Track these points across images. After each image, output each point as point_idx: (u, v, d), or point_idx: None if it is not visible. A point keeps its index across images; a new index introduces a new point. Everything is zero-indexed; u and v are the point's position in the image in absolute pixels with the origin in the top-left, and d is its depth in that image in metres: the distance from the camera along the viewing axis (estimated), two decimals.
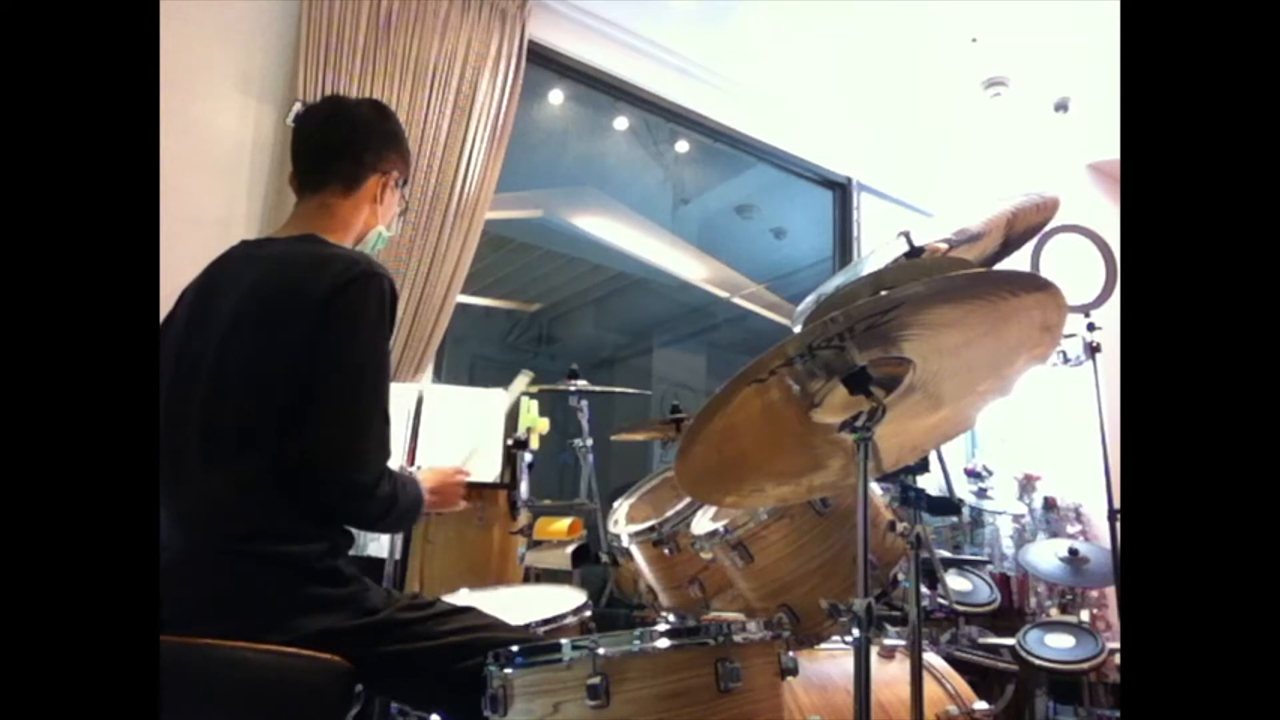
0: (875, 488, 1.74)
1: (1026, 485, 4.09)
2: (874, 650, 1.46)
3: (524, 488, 2.40)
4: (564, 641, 1.10)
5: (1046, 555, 3.18)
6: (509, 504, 2.47)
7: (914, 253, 1.70)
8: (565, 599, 1.75)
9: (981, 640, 3.20)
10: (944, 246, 1.74)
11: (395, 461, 2.00)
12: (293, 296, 1.21)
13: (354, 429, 1.20)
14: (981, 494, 3.74)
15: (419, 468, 1.79)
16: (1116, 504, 2.68)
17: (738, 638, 1.14)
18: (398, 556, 2.03)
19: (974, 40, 3.64)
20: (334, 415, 1.19)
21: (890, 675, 1.66)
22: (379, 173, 1.43)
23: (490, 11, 3.18)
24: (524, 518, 2.42)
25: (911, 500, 1.56)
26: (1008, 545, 3.98)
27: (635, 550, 1.98)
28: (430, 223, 2.94)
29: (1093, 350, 2.83)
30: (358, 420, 1.20)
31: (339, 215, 1.39)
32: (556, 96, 3.92)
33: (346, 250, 1.32)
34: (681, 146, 4.47)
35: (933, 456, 1.66)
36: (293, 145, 1.44)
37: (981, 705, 1.69)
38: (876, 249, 1.91)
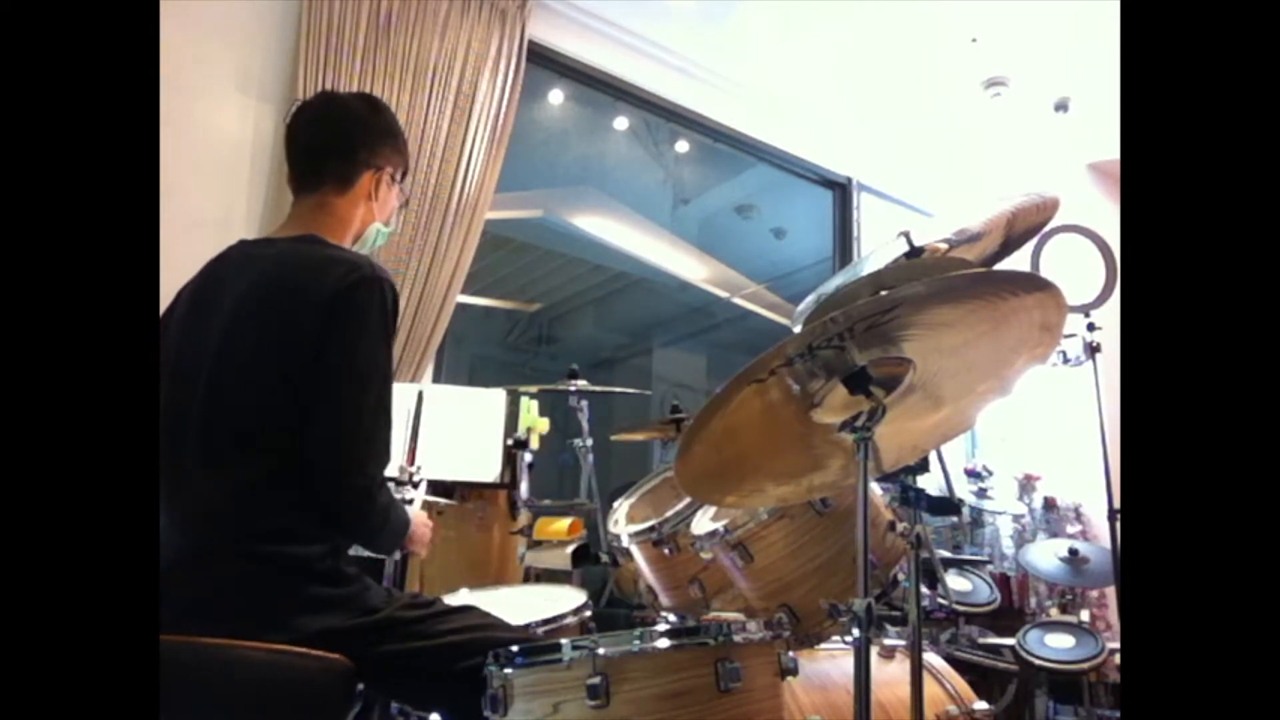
0: (875, 488, 1.74)
1: (1026, 485, 4.09)
2: (874, 650, 1.45)
3: (524, 488, 2.40)
4: (564, 641, 1.10)
5: (1046, 555, 3.18)
6: (509, 504, 2.47)
7: (914, 253, 1.70)
8: (565, 599, 1.75)
9: (981, 640, 3.20)
10: (944, 246, 1.74)
11: (395, 462, 2.00)
12: (293, 298, 1.21)
13: (356, 433, 1.20)
14: (981, 494, 3.74)
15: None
16: (1116, 504, 2.68)
17: (738, 638, 1.14)
18: (397, 557, 2.02)
19: (974, 40, 3.64)
20: (337, 418, 1.19)
21: (890, 675, 1.66)
22: (373, 169, 1.41)
23: (490, 11, 3.18)
24: (524, 518, 2.42)
25: (911, 500, 1.56)
26: (1008, 545, 3.98)
27: (635, 550, 1.98)
28: (430, 223, 2.94)
29: (1093, 350, 2.83)
30: (360, 424, 1.20)
31: (336, 214, 1.39)
32: (556, 96, 3.92)
33: (348, 253, 1.32)
34: (681, 146, 4.47)
35: (933, 456, 1.66)
36: (286, 145, 1.43)
37: (981, 705, 1.69)
38: (876, 249, 1.91)
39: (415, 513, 1.45)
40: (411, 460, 1.93)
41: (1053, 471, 4.08)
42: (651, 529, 1.90)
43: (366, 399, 1.21)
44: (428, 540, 1.48)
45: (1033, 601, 3.71)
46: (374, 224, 1.45)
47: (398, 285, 2.79)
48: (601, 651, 1.08)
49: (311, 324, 1.19)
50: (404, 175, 1.52)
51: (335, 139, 1.41)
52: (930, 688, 1.66)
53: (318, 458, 1.18)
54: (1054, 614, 3.45)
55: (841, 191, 4.51)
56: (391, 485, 1.85)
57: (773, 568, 1.60)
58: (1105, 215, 3.90)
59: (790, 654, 1.21)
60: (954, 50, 3.71)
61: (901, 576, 1.60)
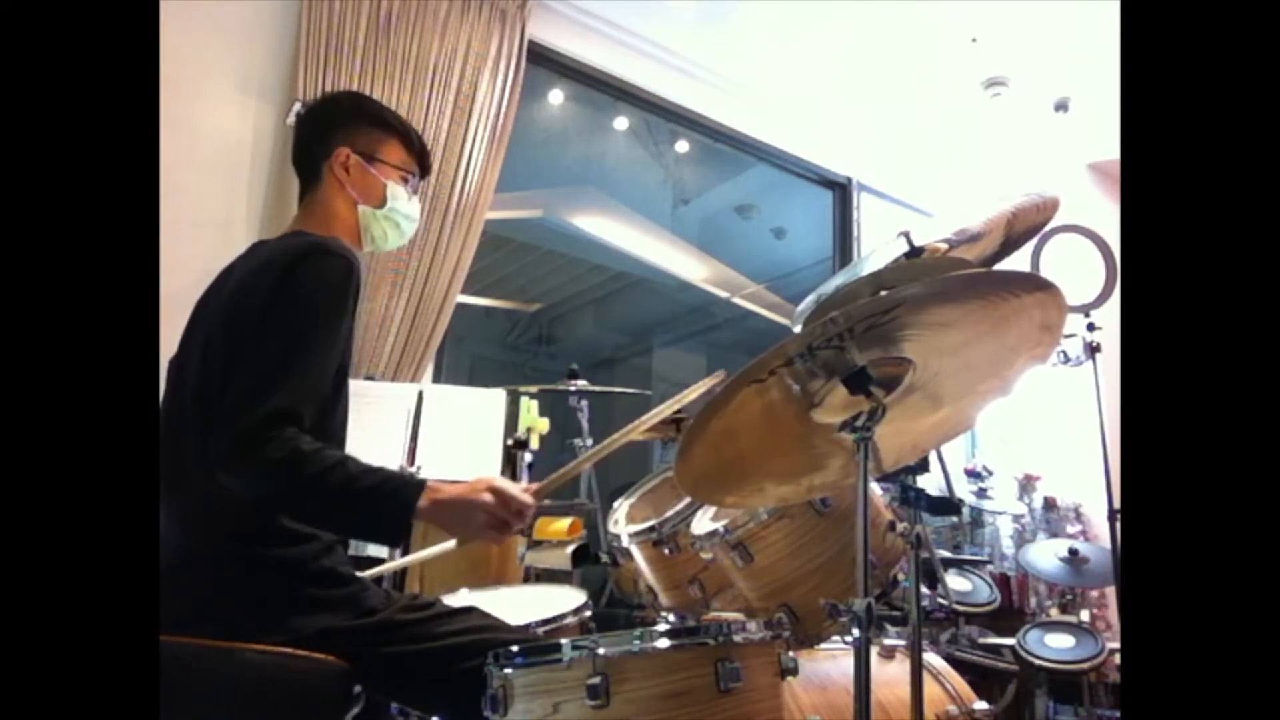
0: (875, 488, 1.74)
1: (1026, 485, 4.09)
2: (874, 650, 1.45)
3: None
4: (564, 641, 1.10)
5: (1046, 555, 3.18)
6: None
7: (914, 253, 1.70)
8: (565, 599, 1.75)
9: (981, 640, 3.20)
10: (944, 246, 1.74)
11: (395, 462, 2.01)
12: (255, 286, 1.21)
13: (246, 389, 1.12)
14: (981, 494, 3.75)
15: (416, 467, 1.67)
16: (1116, 504, 2.68)
17: (738, 638, 1.13)
18: (397, 557, 2.02)
19: (974, 40, 3.64)
20: (236, 385, 1.13)
21: (890, 675, 1.66)
22: (326, 156, 1.41)
23: (490, 11, 3.18)
24: None
25: (911, 500, 1.56)
26: (1008, 545, 3.98)
27: (635, 550, 1.98)
28: (430, 223, 2.94)
29: (1093, 350, 2.83)
30: (251, 383, 1.12)
31: (320, 210, 1.40)
32: (556, 96, 3.92)
33: (315, 236, 1.30)
34: (681, 146, 4.47)
35: (933, 456, 1.66)
36: None
37: (981, 705, 1.69)
38: (876, 249, 1.91)
39: (467, 484, 1.19)
40: (411, 460, 1.93)
41: (1053, 471, 4.08)
42: (651, 529, 1.90)
43: (284, 352, 1.15)
44: (484, 519, 1.17)
45: (1033, 601, 3.71)
46: (361, 208, 1.42)
47: (399, 286, 2.83)
48: (601, 651, 1.08)
49: (262, 303, 1.18)
50: (414, 151, 1.48)
51: (301, 139, 1.44)
52: (930, 688, 1.66)
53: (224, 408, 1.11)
54: (1054, 614, 3.45)
55: (841, 191, 4.51)
56: None
57: (773, 568, 1.60)
58: (1105, 215, 3.91)
59: (790, 654, 1.21)
60: (954, 50, 3.71)
61: (901, 576, 1.60)
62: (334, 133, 1.42)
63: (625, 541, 2.00)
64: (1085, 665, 2.77)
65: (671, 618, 1.93)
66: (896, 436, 1.33)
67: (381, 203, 1.44)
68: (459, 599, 1.69)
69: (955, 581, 3.18)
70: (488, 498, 1.19)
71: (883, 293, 1.07)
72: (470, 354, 5.14)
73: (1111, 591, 3.66)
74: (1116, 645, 2.86)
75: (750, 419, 1.22)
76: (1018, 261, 1.85)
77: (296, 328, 1.17)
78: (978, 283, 1.11)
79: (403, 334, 2.86)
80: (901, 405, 1.23)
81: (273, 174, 2.74)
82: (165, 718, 0.83)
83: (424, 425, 1.97)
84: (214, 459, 1.11)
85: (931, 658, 1.77)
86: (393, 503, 1.13)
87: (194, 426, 1.20)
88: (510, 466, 2.41)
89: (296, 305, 1.19)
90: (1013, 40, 3.63)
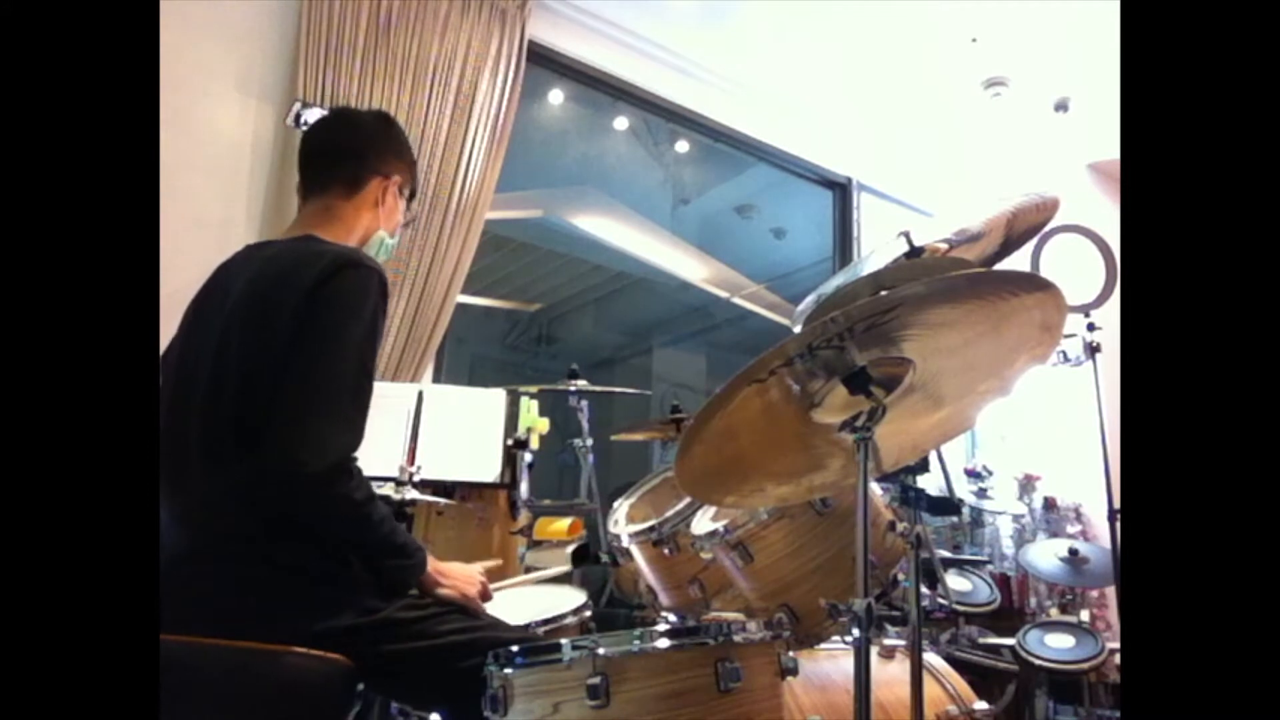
0: (875, 488, 1.74)
1: (1026, 485, 4.09)
2: (874, 650, 1.45)
3: (524, 488, 2.40)
4: (564, 641, 1.10)
5: (1046, 555, 3.18)
6: (509, 504, 2.47)
7: (914, 253, 1.70)
8: (565, 599, 1.75)
9: (981, 640, 3.20)
10: (944, 246, 1.74)
11: (395, 462, 2.00)
12: (282, 290, 1.22)
13: (314, 411, 1.15)
14: (981, 494, 3.74)
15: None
16: (1116, 504, 2.68)
17: (738, 638, 1.14)
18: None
19: (974, 40, 3.64)
20: (298, 398, 1.15)
21: (890, 675, 1.66)
22: (381, 175, 1.43)
23: (490, 11, 3.18)
24: (524, 518, 2.42)
25: (911, 500, 1.56)
26: (1008, 545, 3.98)
27: (635, 550, 1.98)
28: (430, 223, 2.94)
29: (1093, 350, 2.83)
30: (320, 403, 1.15)
31: (340, 217, 1.40)
32: (556, 96, 3.92)
33: (339, 245, 1.32)
34: (681, 146, 4.47)
35: (933, 456, 1.66)
36: (300, 153, 1.46)
37: (981, 705, 1.69)
38: (876, 249, 1.91)
39: (468, 567, 1.36)
40: (411, 460, 1.93)
41: (1053, 471, 4.08)
42: (651, 529, 1.90)
43: (331, 380, 1.17)
44: (476, 593, 1.33)
45: (1033, 601, 3.71)
46: (378, 231, 1.45)
47: (398, 285, 2.83)
48: (601, 651, 1.08)
49: (295, 312, 1.19)
50: (412, 196, 1.53)
51: (348, 144, 1.44)
52: (930, 688, 1.66)
53: (274, 440, 1.14)
54: (1054, 614, 3.45)
55: (841, 191, 4.51)
56: (390, 486, 1.85)
57: (773, 568, 1.60)
58: (1105, 215, 3.90)
59: (790, 654, 1.21)
60: (954, 50, 3.71)
61: (901, 576, 1.60)
62: (392, 156, 1.46)
63: (625, 541, 2.00)
64: (1085, 665, 2.77)
65: (671, 618, 1.93)
66: (896, 436, 1.33)
67: (393, 233, 1.49)
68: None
69: (955, 581, 3.18)
70: (483, 576, 1.37)
71: (883, 293, 1.07)
72: (470, 354, 5.15)
73: (1111, 591, 3.65)
74: (1116, 645, 2.86)
75: (750, 419, 1.22)
76: (1018, 261, 1.85)
77: (350, 354, 1.19)
78: (978, 283, 1.11)
79: (403, 334, 2.86)
80: (901, 405, 1.23)
81: (273, 174, 2.74)
82: (166, 717, 0.83)
83: (424, 425, 1.97)
84: (275, 494, 1.15)
85: (931, 658, 1.77)
86: (414, 560, 1.26)
87: (200, 425, 1.20)
88: (510, 466, 2.41)
89: (345, 327, 1.20)
90: (1013, 40, 3.63)
